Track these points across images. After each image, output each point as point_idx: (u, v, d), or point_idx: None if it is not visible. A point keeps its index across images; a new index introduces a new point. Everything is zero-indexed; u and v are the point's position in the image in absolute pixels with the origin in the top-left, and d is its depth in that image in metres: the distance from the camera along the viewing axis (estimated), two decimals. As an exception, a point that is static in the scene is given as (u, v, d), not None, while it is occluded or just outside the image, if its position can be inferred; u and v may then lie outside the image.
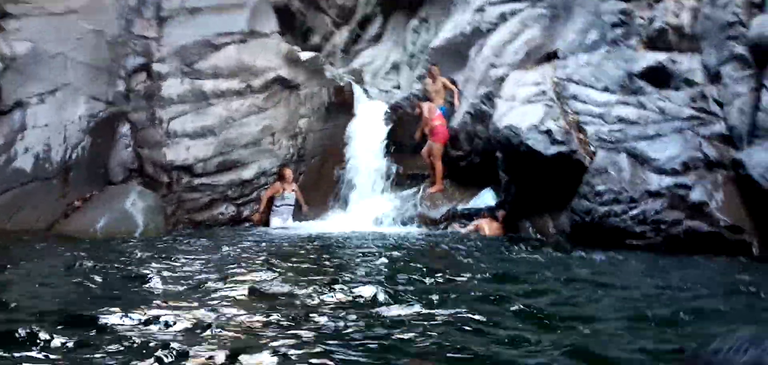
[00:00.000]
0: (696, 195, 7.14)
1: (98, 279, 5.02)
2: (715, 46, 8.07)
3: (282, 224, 10.66)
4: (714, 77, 7.98)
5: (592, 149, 8.28)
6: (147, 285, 4.79)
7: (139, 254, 6.53)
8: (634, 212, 7.39)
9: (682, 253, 6.79)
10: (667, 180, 7.38)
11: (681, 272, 5.76)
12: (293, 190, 10.91)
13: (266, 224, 10.69)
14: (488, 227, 9.35)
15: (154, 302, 4.16)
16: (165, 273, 5.30)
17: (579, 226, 7.97)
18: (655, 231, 7.19)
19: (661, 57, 8.61)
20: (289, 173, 10.89)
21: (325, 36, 16.76)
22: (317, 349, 3.10)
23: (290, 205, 10.86)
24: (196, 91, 10.96)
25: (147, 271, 5.36)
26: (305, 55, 12.22)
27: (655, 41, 8.85)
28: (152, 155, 10.50)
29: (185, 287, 4.77)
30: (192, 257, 6.45)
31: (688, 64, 8.33)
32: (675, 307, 4.14)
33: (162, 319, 3.58)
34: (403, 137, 11.62)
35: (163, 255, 6.50)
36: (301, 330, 3.49)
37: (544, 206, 8.82)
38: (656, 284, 5.16)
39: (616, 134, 8.22)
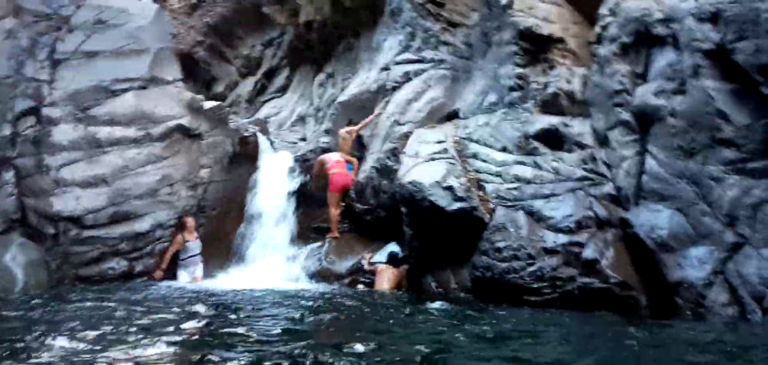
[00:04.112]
0: (588, 253, 7.49)
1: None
2: (603, 111, 8.62)
3: (190, 277, 10.21)
4: (603, 141, 8.50)
5: (491, 206, 8.54)
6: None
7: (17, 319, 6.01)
8: (532, 268, 7.65)
9: (577, 309, 7.06)
10: (562, 238, 7.71)
11: (558, 327, 6.00)
12: (196, 238, 10.49)
13: (171, 278, 10.18)
14: (386, 274, 9.37)
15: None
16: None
17: (480, 281, 8.14)
18: (551, 288, 7.45)
19: (554, 120, 9.09)
20: (191, 221, 10.50)
21: (230, 86, 16.53)
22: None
23: (195, 255, 10.44)
24: (90, 138, 10.44)
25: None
26: (208, 104, 11.96)
27: (549, 105, 9.35)
28: (38, 205, 9.82)
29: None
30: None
31: (579, 128, 8.84)
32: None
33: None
34: (309, 190, 11.56)
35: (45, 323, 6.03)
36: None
37: (447, 261, 8.96)
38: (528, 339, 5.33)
39: (513, 192, 8.54)
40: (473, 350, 5.00)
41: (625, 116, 8.26)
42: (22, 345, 4.78)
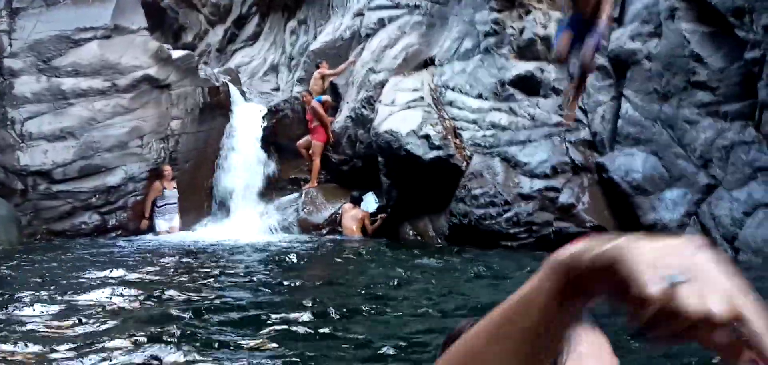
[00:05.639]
0: (564, 197, 7.56)
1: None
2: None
3: (167, 226, 10.08)
4: (578, 86, 8.49)
5: (467, 153, 8.54)
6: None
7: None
8: (508, 214, 7.70)
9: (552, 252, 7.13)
10: (538, 183, 7.76)
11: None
12: (174, 188, 10.32)
13: (152, 230, 10.04)
14: (349, 214, 9.48)
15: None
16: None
17: (457, 228, 8.18)
18: (527, 232, 7.53)
19: (530, 66, 9.05)
20: (168, 169, 10.33)
21: (199, 35, 16.07)
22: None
23: (173, 203, 10.26)
24: (54, 89, 10.10)
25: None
26: (177, 54, 11.62)
27: (525, 51, 9.28)
28: (4, 160, 9.54)
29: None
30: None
31: (555, 73, 8.81)
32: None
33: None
34: (283, 140, 11.38)
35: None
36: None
37: (424, 209, 8.99)
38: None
39: (489, 139, 8.54)
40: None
41: (601, 60, 8.24)
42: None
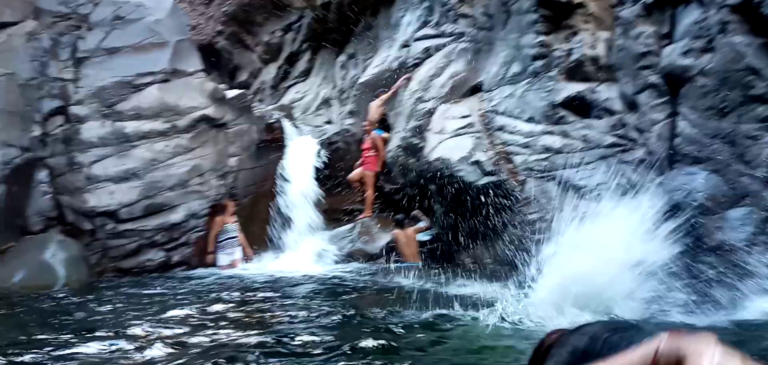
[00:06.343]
0: (623, 220, 7.43)
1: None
2: (630, 75, 8.49)
3: (229, 260, 10.37)
4: (631, 105, 8.38)
5: (521, 178, 8.52)
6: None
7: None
8: (566, 239, 7.61)
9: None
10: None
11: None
12: (235, 221, 10.64)
13: (214, 264, 10.36)
14: (401, 240, 9.60)
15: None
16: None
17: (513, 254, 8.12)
18: (587, 256, 7.42)
19: (580, 87, 8.97)
20: (231, 204, 10.66)
21: (253, 73, 16.56)
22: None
23: (234, 237, 10.57)
24: (118, 133, 10.58)
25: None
26: (232, 93, 12.04)
27: (574, 72, 9.22)
28: (73, 202, 10.01)
29: None
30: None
31: (606, 93, 8.72)
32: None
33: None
34: (337, 172, 11.60)
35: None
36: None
37: (480, 236, 8.98)
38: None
39: (543, 163, 8.50)
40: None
41: (653, 78, 8.12)
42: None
